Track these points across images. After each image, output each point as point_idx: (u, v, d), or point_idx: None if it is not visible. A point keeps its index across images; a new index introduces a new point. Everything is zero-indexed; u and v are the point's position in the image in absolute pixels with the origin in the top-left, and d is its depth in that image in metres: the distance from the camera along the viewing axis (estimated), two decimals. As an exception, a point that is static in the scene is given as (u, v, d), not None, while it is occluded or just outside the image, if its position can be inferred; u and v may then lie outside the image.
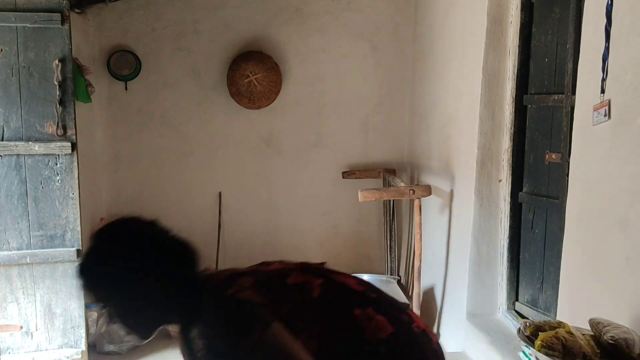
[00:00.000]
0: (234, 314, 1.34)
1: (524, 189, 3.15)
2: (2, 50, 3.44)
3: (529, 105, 3.09)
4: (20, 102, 3.48)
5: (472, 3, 3.37)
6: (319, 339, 1.36)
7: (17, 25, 3.43)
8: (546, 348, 1.65)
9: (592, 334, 1.73)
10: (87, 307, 3.73)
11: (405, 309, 1.54)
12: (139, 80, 4.72)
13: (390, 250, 4.67)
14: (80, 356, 3.60)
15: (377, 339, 1.38)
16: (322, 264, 1.62)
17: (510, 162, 3.19)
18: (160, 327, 1.54)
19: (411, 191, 3.68)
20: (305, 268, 1.54)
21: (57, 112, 3.50)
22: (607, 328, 1.68)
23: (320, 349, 1.35)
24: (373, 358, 1.36)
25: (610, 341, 1.62)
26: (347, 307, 1.43)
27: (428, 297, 4.01)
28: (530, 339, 1.81)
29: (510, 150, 3.19)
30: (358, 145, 4.97)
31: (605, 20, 2.04)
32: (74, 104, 3.57)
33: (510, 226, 3.21)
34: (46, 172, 3.53)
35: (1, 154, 3.47)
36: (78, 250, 3.58)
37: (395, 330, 1.41)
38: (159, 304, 1.46)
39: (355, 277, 1.58)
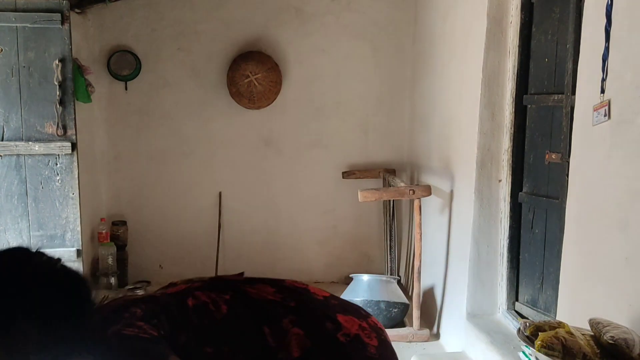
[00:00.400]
0: (119, 354, 1.18)
1: (524, 189, 3.15)
2: (2, 50, 3.45)
3: (529, 106, 3.09)
4: (20, 102, 3.48)
5: (472, 3, 3.37)
6: None
7: (17, 25, 3.43)
8: (546, 348, 1.65)
9: (592, 334, 1.73)
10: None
11: (333, 314, 1.38)
12: (139, 81, 4.72)
13: (390, 250, 4.67)
14: (80, 356, 3.60)
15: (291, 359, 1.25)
16: (240, 274, 1.48)
17: (510, 162, 3.19)
18: None
19: (411, 191, 3.68)
20: (215, 284, 1.40)
21: (57, 112, 3.50)
22: (607, 328, 1.68)
23: None
24: None
25: (610, 341, 1.62)
26: (256, 324, 1.30)
27: (428, 297, 4.01)
28: (530, 339, 1.81)
29: (510, 150, 3.19)
30: (358, 145, 4.97)
31: (605, 20, 2.04)
32: (74, 104, 3.57)
33: (510, 226, 3.21)
34: (46, 172, 3.53)
35: (1, 154, 3.48)
36: (78, 251, 3.59)
37: (314, 344, 1.28)
38: (39, 343, 1.24)
39: (275, 284, 1.43)
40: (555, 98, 2.79)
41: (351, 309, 1.46)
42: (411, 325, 3.75)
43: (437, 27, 4.08)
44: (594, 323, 1.74)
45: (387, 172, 4.77)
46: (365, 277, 3.98)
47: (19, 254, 1.33)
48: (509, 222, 3.21)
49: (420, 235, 3.71)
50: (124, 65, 4.66)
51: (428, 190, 3.72)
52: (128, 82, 4.71)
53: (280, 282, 1.46)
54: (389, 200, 4.61)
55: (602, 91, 2.06)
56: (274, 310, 1.34)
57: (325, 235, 5.03)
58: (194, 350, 1.23)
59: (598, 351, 1.65)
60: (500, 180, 3.25)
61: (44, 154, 3.50)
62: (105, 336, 1.20)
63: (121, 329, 1.20)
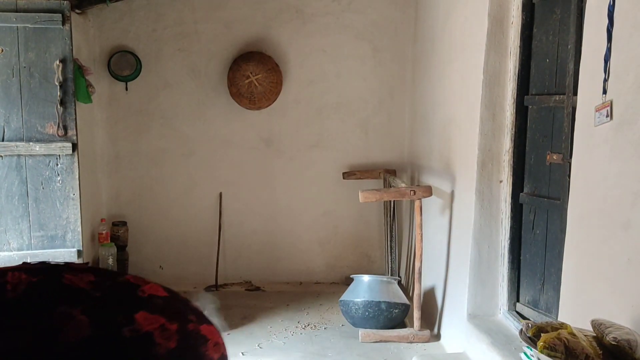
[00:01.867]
0: None
1: (525, 190, 3.15)
2: (2, 50, 3.44)
3: (530, 106, 3.09)
4: (21, 102, 3.47)
5: (473, 4, 3.36)
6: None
7: (18, 25, 3.42)
8: (549, 349, 1.65)
9: (595, 335, 1.73)
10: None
11: (137, 310, 1.41)
12: (140, 81, 4.72)
13: (391, 251, 4.66)
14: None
15: (78, 339, 1.30)
16: (85, 264, 1.51)
17: (511, 162, 3.19)
18: None
19: (412, 192, 3.68)
20: (39, 266, 1.45)
21: (57, 112, 3.50)
22: (610, 329, 1.68)
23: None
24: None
25: (613, 342, 1.62)
26: (48, 307, 1.34)
27: (429, 298, 4.00)
28: (532, 340, 1.80)
29: (511, 151, 3.19)
30: (358, 146, 4.97)
31: (607, 20, 2.04)
32: (75, 105, 3.56)
33: (511, 227, 3.20)
34: (47, 173, 3.53)
35: (2, 155, 3.47)
36: (79, 251, 3.58)
37: (92, 334, 1.32)
38: None
39: (102, 275, 1.45)
40: (557, 99, 2.79)
41: (174, 310, 1.36)
42: (412, 326, 3.74)
43: (438, 27, 4.08)
44: (596, 324, 1.74)
45: (387, 173, 4.76)
46: (365, 278, 3.98)
47: None
48: (509, 222, 3.20)
49: (421, 236, 3.70)
50: (125, 65, 4.65)
51: (429, 191, 3.71)
52: (128, 83, 4.71)
53: (114, 274, 1.42)
54: (390, 201, 4.61)
55: (604, 92, 2.06)
56: (74, 297, 1.35)
57: (326, 235, 5.03)
58: None
59: (600, 352, 1.65)
60: (501, 181, 3.24)
61: (44, 155, 3.50)
62: None
63: None
